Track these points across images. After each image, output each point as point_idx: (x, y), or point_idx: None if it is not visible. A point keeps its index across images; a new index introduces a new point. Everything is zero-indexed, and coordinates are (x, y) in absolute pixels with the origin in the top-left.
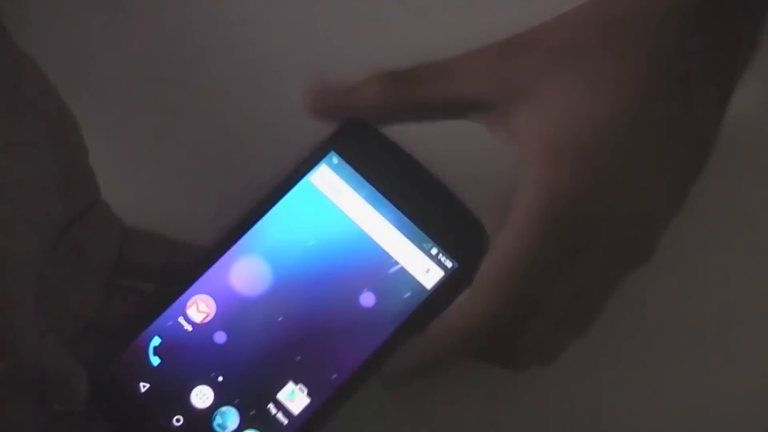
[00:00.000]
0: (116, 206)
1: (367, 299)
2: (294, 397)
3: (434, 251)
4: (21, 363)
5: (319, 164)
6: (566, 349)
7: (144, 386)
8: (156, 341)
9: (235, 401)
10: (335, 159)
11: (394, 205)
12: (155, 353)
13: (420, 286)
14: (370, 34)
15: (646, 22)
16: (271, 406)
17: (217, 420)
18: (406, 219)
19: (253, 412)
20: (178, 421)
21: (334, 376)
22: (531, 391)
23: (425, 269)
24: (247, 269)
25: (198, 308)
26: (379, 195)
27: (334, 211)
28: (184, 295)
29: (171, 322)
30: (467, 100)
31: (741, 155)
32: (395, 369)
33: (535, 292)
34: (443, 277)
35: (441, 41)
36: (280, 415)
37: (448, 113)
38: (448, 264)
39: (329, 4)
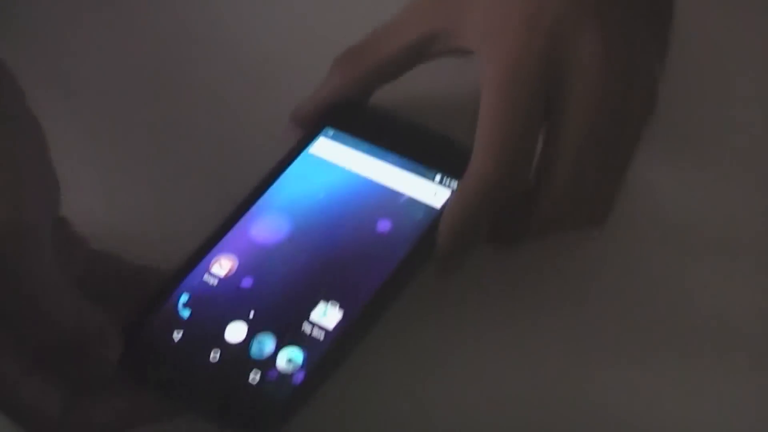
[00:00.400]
0: (109, 209)
1: (384, 226)
2: (327, 314)
3: (437, 177)
4: (62, 328)
5: (317, 138)
6: (613, 195)
7: (177, 335)
8: (184, 298)
9: (270, 327)
10: (330, 131)
11: (392, 151)
12: (184, 307)
13: (430, 208)
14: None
15: None
16: (306, 326)
17: (254, 347)
18: (405, 159)
19: (289, 334)
20: (215, 356)
21: (363, 292)
22: (530, 390)
23: (432, 193)
24: (264, 226)
25: (221, 265)
26: (376, 147)
27: (337, 169)
28: (206, 258)
29: (197, 281)
30: (415, 43)
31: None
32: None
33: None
34: (451, 195)
35: None
36: (315, 332)
37: (409, 62)
38: (454, 184)
39: (330, 5)
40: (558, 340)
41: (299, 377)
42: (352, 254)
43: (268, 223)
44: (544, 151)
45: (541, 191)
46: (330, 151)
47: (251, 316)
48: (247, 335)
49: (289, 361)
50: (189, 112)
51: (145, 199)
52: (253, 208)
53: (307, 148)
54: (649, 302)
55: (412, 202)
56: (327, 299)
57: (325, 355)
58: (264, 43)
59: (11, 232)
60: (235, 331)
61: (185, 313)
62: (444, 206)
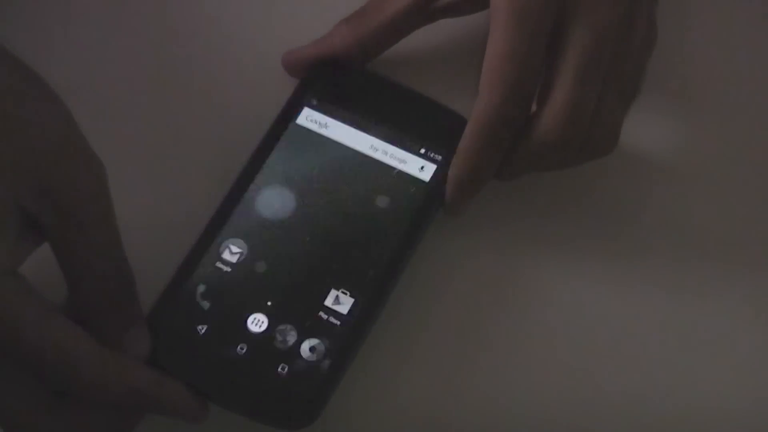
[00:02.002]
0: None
1: (381, 201)
2: (340, 301)
3: (422, 150)
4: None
5: (302, 108)
6: (617, 124)
7: (201, 329)
8: (201, 288)
9: (289, 318)
10: (314, 100)
11: (376, 122)
12: (203, 299)
13: (419, 181)
14: None
15: None
16: (322, 314)
17: (278, 339)
18: (389, 131)
19: (307, 323)
20: (242, 349)
21: (371, 272)
22: (528, 392)
23: (419, 167)
24: (264, 206)
25: (231, 251)
26: (360, 118)
27: (327, 141)
28: (214, 244)
29: (210, 269)
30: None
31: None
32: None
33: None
34: (437, 168)
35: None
36: (332, 319)
37: (412, 21)
38: (438, 156)
39: (330, 5)
40: (560, 337)
41: (325, 365)
42: (354, 232)
43: (268, 204)
44: (545, 77)
45: (539, 115)
46: (316, 122)
47: (269, 304)
48: (269, 325)
49: (312, 349)
50: (183, 108)
51: (140, 197)
52: (252, 187)
53: (294, 119)
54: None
55: (401, 176)
56: (337, 287)
57: (346, 340)
58: (260, 41)
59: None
60: (257, 323)
61: (205, 305)
62: (431, 182)
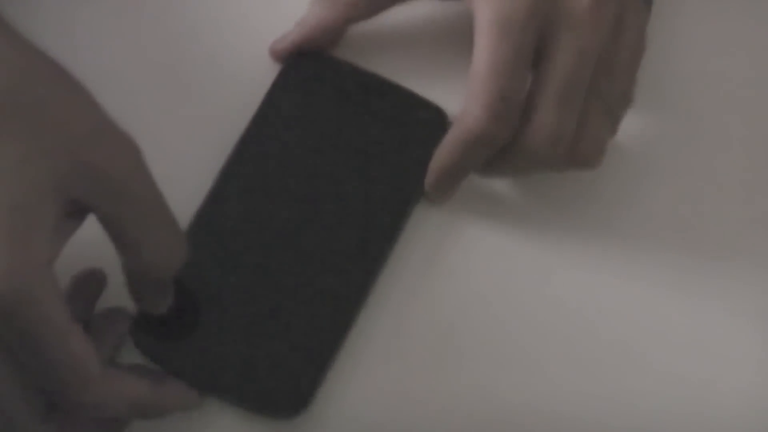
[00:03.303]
0: None
1: (367, 181)
2: (331, 284)
3: (399, 137)
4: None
5: (280, 101)
6: (603, 139)
7: (191, 319)
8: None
9: (280, 301)
10: (293, 91)
11: (356, 116)
12: (194, 287)
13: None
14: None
15: None
16: (313, 296)
17: (269, 324)
18: (366, 118)
19: (299, 307)
20: (233, 337)
21: (360, 255)
22: (526, 385)
23: (396, 152)
24: (251, 192)
25: (224, 241)
26: (337, 107)
27: (307, 133)
28: (205, 233)
29: (201, 259)
30: None
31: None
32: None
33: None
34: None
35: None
36: (323, 300)
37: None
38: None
39: None
40: (559, 342)
41: (316, 349)
42: (342, 213)
43: (259, 184)
44: (529, 93)
45: (522, 132)
46: (293, 115)
47: (260, 291)
48: (261, 312)
49: (304, 334)
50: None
51: None
52: (238, 170)
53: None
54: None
55: (385, 158)
56: (331, 268)
57: (336, 323)
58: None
59: (21, 284)
60: (248, 309)
61: (196, 295)
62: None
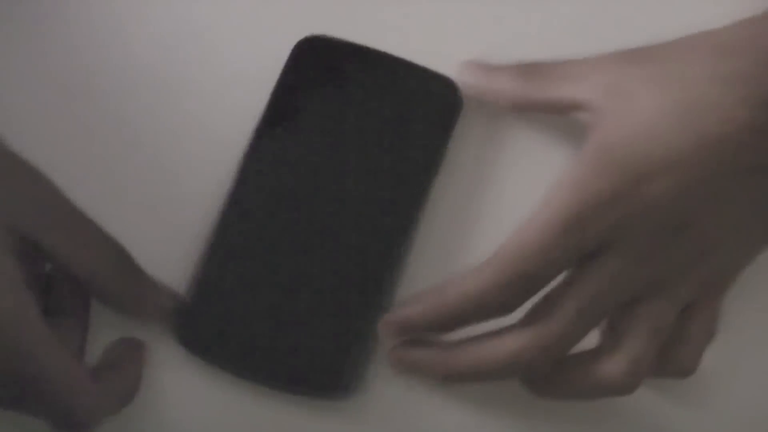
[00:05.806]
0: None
1: (385, 161)
2: (362, 264)
3: (418, 113)
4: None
5: (297, 88)
6: (697, 353)
7: (233, 306)
8: (225, 264)
9: (317, 284)
10: (310, 74)
11: (366, 100)
12: (229, 275)
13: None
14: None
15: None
16: (349, 279)
17: (311, 308)
18: (384, 99)
19: (338, 290)
20: (276, 323)
21: (386, 238)
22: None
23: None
24: (279, 171)
25: (252, 223)
26: (350, 89)
27: (324, 112)
28: (234, 217)
29: (233, 243)
30: (577, 102)
31: None
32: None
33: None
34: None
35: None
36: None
37: (556, 111)
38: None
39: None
40: None
41: (359, 331)
42: (367, 197)
43: (283, 168)
44: (611, 322)
45: (599, 359)
46: (311, 101)
47: (296, 274)
48: (300, 296)
49: (348, 316)
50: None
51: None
52: (261, 154)
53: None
54: None
55: (396, 141)
56: (358, 248)
57: (375, 303)
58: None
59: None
60: (287, 294)
61: (232, 282)
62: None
